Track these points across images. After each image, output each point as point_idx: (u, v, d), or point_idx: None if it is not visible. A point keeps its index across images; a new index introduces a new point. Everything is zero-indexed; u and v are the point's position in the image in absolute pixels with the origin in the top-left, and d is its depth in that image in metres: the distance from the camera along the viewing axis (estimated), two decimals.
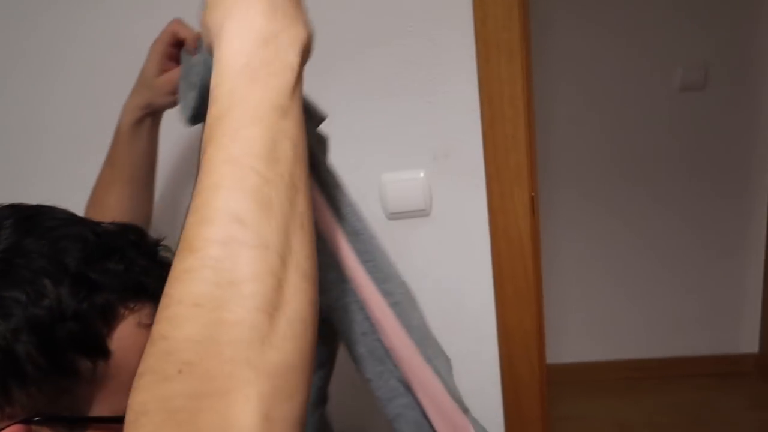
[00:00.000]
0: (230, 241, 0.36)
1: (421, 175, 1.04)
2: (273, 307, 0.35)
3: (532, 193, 1.03)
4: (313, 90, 0.58)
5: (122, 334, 0.47)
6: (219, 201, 0.37)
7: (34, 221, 0.48)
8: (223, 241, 0.36)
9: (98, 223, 0.51)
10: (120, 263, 0.47)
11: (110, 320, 0.46)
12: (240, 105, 0.39)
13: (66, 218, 0.49)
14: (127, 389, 0.40)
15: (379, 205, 1.07)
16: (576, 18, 1.98)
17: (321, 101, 0.63)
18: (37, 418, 0.44)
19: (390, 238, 1.08)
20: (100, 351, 0.46)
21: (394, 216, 1.07)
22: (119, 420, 0.41)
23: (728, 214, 2.12)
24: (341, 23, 0.98)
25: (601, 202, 2.15)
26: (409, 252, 1.11)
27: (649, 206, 2.13)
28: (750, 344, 2.24)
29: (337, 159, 0.97)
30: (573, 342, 2.30)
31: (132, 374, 0.39)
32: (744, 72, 1.99)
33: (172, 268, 0.37)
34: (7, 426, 0.44)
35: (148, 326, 0.46)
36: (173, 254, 0.39)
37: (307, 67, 0.44)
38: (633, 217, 2.15)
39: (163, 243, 0.54)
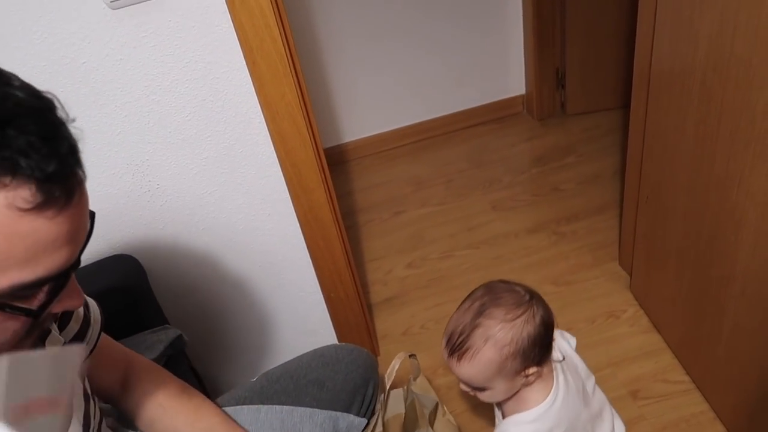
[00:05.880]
0: None
1: None
2: None
3: None
4: None
5: None
6: None
7: None
8: None
9: (6, 82, 0.45)
10: None
11: None
12: None
13: None
14: None
15: None
16: None
17: None
18: None
19: (121, 30, 0.99)
20: None
21: (118, 4, 0.97)
22: None
23: None
24: None
25: None
26: (147, 42, 1.03)
27: None
28: (518, 87, 2.51)
29: None
30: (366, 117, 2.44)
31: None
32: None
33: None
34: None
35: (25, 210, 0.43)
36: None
37: None
38: None
39: (73, 121, 0.48)
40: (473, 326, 0.87)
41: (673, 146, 1.26)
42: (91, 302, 0.82)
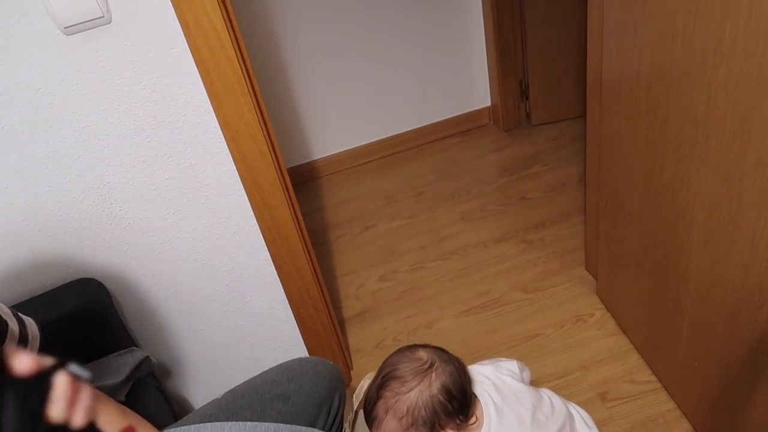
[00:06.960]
0: None
1: None
2: None
3: None
4: None
5: None
6: None
7: None
8: None
9: None
10: None
11: None
12: None
13: None
14: None
15: (49, 20, 0.96)
16: None
17: None
18: None
19: (77, 55, 1.00)
20: None
21: (71, 30, 0.97)
22: None
23: None
24: None
25: None
26: (103, 66, 1.02)
27: None
28: (483, 100, 2.56)
29: None
30: (335, 134, 2.47)
31: None
32: None
33: None
34: None
35: None
36: None
37: None
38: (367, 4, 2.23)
39: None
40: (377, 397, 0.91)
41: (627, 152, 1.29)
42: (28, 319, 0.81)
